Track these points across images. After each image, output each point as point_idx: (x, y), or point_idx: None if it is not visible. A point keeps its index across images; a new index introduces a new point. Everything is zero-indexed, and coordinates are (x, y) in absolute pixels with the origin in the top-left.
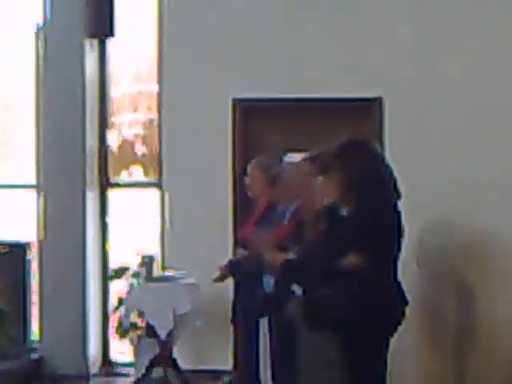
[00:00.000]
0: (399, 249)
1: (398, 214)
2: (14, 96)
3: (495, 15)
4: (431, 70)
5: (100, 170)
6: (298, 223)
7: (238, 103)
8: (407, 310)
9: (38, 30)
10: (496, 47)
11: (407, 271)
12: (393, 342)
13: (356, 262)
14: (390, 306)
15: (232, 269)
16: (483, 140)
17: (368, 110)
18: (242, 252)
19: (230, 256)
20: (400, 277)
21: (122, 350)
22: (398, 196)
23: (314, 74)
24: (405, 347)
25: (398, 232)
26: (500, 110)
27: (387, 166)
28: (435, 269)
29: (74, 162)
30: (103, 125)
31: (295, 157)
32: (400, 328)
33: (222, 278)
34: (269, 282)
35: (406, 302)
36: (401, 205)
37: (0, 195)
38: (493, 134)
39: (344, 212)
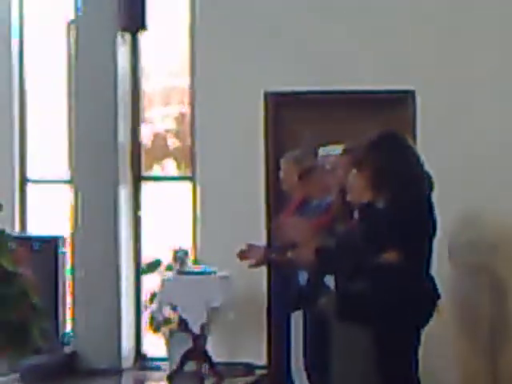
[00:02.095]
0: (432, 242)
1: (431, 206)
2: (47, 92)
3: None
4: (464, 64)
5: (132, 164)
6: (332, 216)
7: (270, 96)
8: (440, 304)
9: (71, 23)
10: None
11: (439, 265)
12: (425, 335)
13: (392, 256)
14: (423, 300)
15: (268, 255)
16: None
17: (401, 103)
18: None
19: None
20: (432, 270)
21: (155, 344)
22: (431, 188)
23: (345, 67)
24: (437, 341)
25: (432, 225)
26: None
27: (419, 159)
28: (468, 263)
29: (106, 156)
30: (135, 119)
31: (330, 150)
32: (433, 322)
33: (256, 264)
34: (303, 275)
35: (438, 296)
36: (433, 197)
37: (34, 190)
38: None
39: (379, 205)
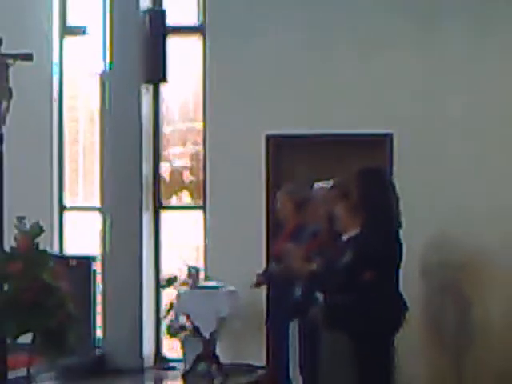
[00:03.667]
0: (399, 266)
1: (398, 235)
2: (82, 132)
3: (492, 65)
4: (436, 110)
5: (154, 195)
6: (321, 241)
7: (270, 138)
8: (413, 316)
9: (102, 75)
10: (493, 93)
11: (412, 283)
12: (401, 342)
13: (369, 276)
14: (394, 311)
15: (266, 277)
16: (480, 173)
17: (380, 144)
18: (274, 265)
19: (263, 268)
20: (404, 287)
21: (172, 348)
22: (400, 224)
23: (335, 113)
24: (411, 347)
25: (399, 251)
26: (496, 147)
27: (395, 192)
28: (437, 281)
29: (132, 188)
30: (156, 156)
31: (321, 184)
32: (407, 331)
33: (258, 285)
34: (298, 290)
35: (406, 308)
36: (408, 224)
37: (71, 216)
38: (488, 169)
39: (359, 232)
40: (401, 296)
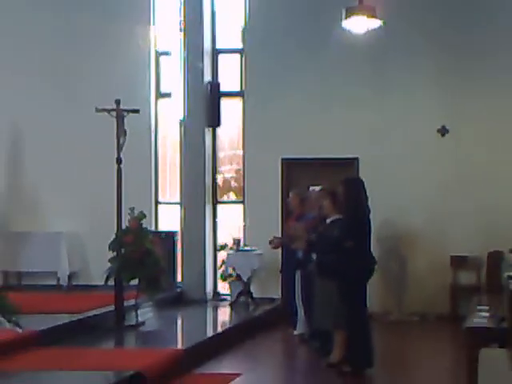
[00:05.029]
0: (370, 236)
1: (369, 218)
2: (169, 155)
3: (416, 117)
4: (385, 144)
5: (213, 195)
6: (316, 223)
7: (284, 161)
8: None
9: (181, 121)
10: (419, 132)
11: (372, 248)
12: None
13: (349, 243)
14: (367, 264)
15: (282, 242)
16: (413, 182)
17: (351, 164)
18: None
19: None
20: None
21: (224, 288)
22: (369, 210)
23: (324, 145)
24: (369, 287)
25: (369, 228)
26: (424, 165)
27: (366, 193)
28: (386, 246)
29: (199, 190)
30: (214, 171)
31: (315, 188)
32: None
33: (276, 247)
34: (300, 253)
35: (375, 262)
36: (371, 214)
37: (162, 208)
38: (418, 179)
39: (340, 217)
40: (372, 254)
